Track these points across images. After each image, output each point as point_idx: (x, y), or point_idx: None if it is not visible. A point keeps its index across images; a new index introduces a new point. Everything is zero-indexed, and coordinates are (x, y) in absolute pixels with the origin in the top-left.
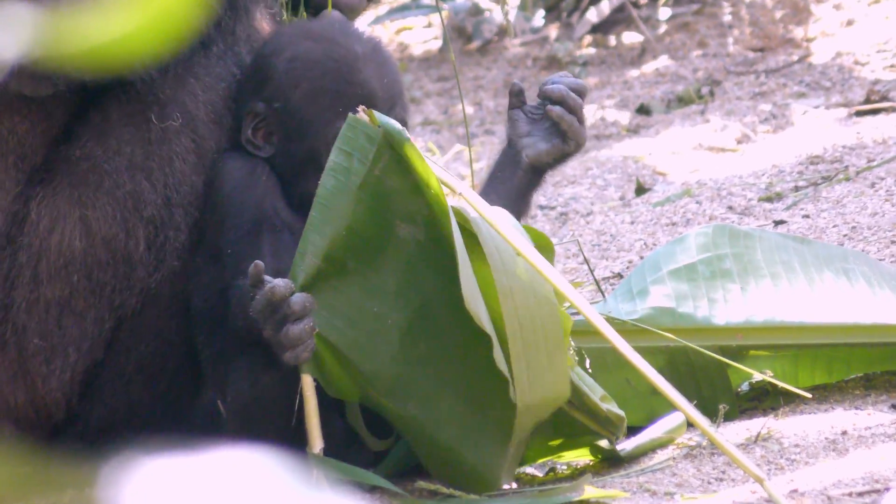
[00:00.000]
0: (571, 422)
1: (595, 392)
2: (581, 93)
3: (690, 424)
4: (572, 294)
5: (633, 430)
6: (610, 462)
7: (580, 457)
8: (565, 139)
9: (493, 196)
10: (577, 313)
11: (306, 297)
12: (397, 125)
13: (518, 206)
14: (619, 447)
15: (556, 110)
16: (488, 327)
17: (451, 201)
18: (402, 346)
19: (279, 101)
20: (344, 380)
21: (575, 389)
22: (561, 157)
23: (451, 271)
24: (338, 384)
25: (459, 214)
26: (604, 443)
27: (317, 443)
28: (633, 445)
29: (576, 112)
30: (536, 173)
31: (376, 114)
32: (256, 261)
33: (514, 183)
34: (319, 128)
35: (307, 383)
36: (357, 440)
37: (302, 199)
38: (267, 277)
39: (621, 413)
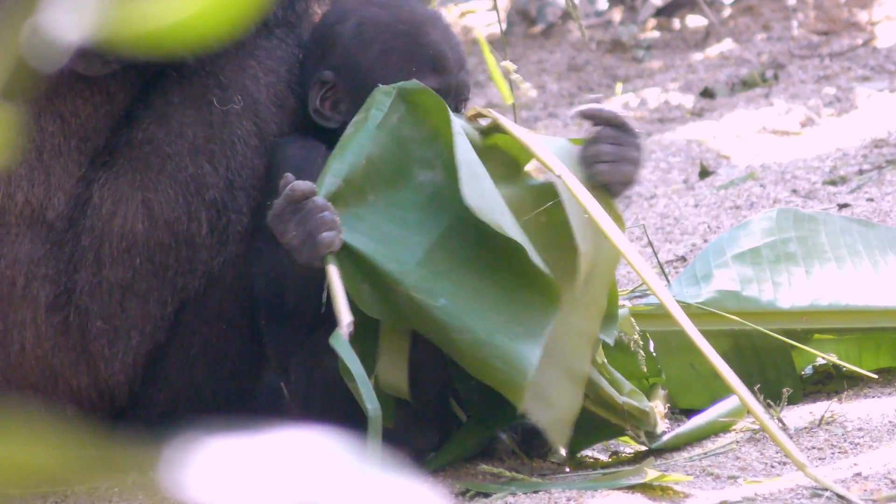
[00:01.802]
0: (592, 418)
1: (621, 387)
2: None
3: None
4: (646, 272)
5: (694, 413)
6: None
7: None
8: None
9: None
10: (643, 297)
11: (327, 202)
12: (416, 86)
13: None
14: (669, 435)
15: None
16: (513, 233)
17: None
18: (428, 256)
19: (348, 67)
20: (368, 293)
21: (591, 384)
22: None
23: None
24: (362, 296)
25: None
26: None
27: (345, 319)
28: (671, 435)
29: (618, 141)
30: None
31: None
32: (287, 174)
33: None
34: None
35: (333, 273)
36: (420, 424)
37: None
38: (289, 176)
39: (644, 407)
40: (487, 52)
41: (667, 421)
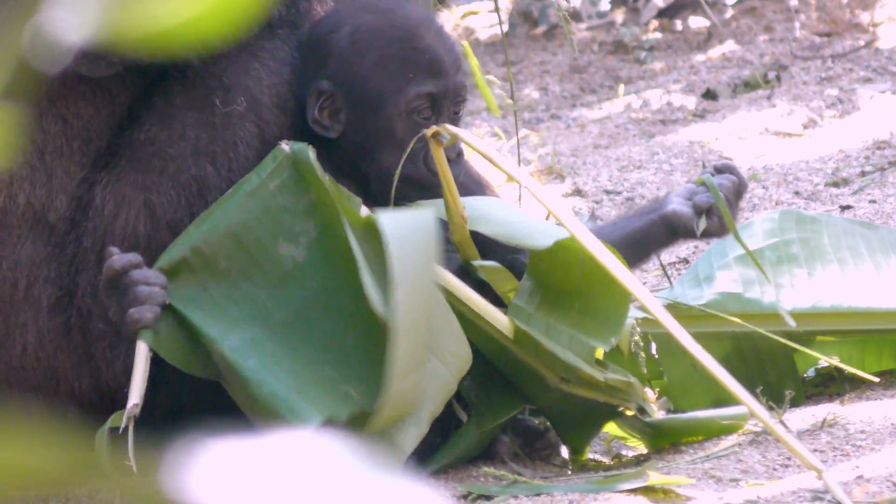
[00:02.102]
0: (579, 402)
1: (604, 367)
2: (740, 191)
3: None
4: (633, 284)
5: None
6: (675, 448)
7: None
8: (709, 215)
9: (615, 227)
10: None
11: (152, 273)
12: (308, 151)
13: (636, 246)
14: (667, 417)
15: (716, 183)
16: (389, 321)
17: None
18: (251, 325)
19: (345, 76)
20: (188, 351)
21: (567, 366)
22: (696, 230)
23: (329, 291)
24: (181, 355)
25: (363, 228)
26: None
27: (133, 400)
28: (668, 417)
29: (730, 201)
30: (669, 230)
31: (294, 143)
32: (110, 247)
33: (642, 225)
34: (390, 96)
35: (140, 350)
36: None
37: (380, 174)
38: (112, 250)
39: (629, 379)
40: (476, 67)
41: (662, 412)
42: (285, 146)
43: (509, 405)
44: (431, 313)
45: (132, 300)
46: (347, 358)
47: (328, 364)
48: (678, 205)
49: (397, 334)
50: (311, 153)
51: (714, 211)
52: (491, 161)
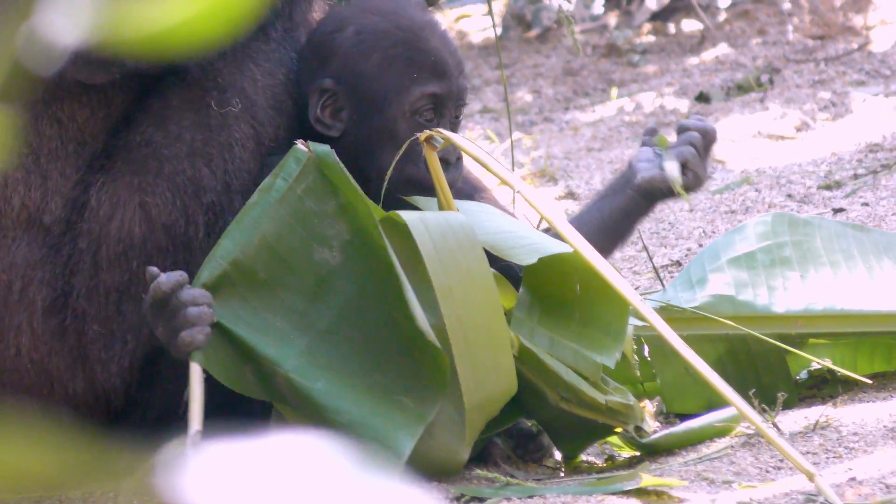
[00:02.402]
0: (578, 421)
1: (605, 385)
2: (709, 136)
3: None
4: (627, 290)
5: (688, 418)
6: (668, 450)
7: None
8: (684, 170)
9: (593, 211)
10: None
11: (199, 292)
12: (330, 152)
13: (618, 225)
14: (662, 433)
15: (683, 136)
16: (433, 340)
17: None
18: (308, 347)
19: (349, 75)
20: (250, 375)
21: (571, 389)
22: (675, 189)
23: (366, 294)
24: (233, 374)
25: (394, 229)
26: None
27: (195, 426)
28: (663, 434)
29: (697, 147)
30: (646, 197)
31: (312, 144)
32: (151, 268)
33: (619, 202)
34: (395, 96)
35: (195, 372)
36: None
37: (380, 173)
38: (154, 270)
39: (629, 402)
40: None
41: (658, 422)
42: (303, 147)
43: (508, 415)
44: (485, 314)
45: (183, 322)
46: (392, 362)
47: (376, 370)
48: (647, 171)
49: (456, 346)
50: (333, 155)
51: (689, 165)
52: (484, 165)
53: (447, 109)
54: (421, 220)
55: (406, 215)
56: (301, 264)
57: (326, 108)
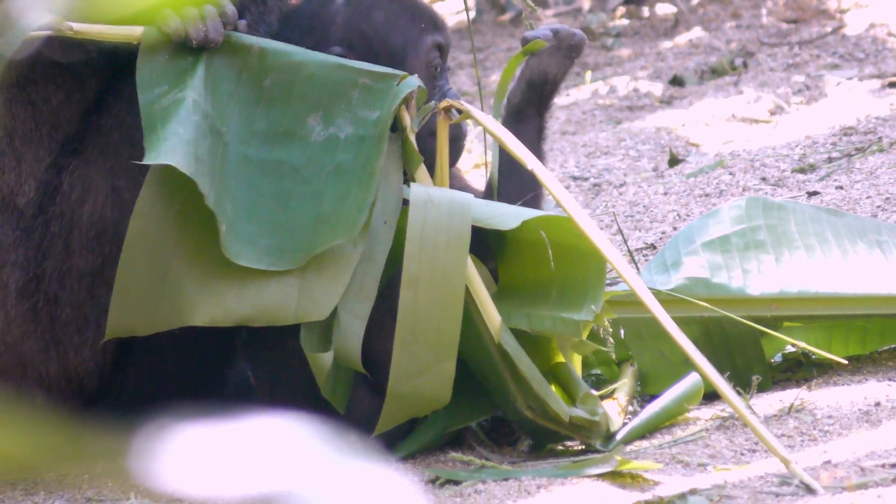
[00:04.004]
0: (541, 428)
1: (576, 390)
2: (574, 44)
3: (719, 395)
4: (618, 261)
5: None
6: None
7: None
8: (556, 36)
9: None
10: (612, 284)
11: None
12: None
13: (515, 119)
14: (625, 430)
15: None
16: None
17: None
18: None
19: (357, 38)
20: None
21: (536, 398)
22: (557, 58)
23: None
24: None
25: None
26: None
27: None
28: (625, 432)
29: (561, 46)
30: (533, 88)
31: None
32: None
33: (514, 103)
34: (411, 48)
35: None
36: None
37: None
38: None
39: (594, 417)
40: None
41: (634, 402)
42: (417, 81)
43: (480, 410)
44: (440, 319)
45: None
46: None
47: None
48: (526, 63)
49: (400, 334)
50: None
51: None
52: (501, 141)
53: (445, 60)
54: (427, 201)
55: (418, 190)
56: (295, 107)
57: None
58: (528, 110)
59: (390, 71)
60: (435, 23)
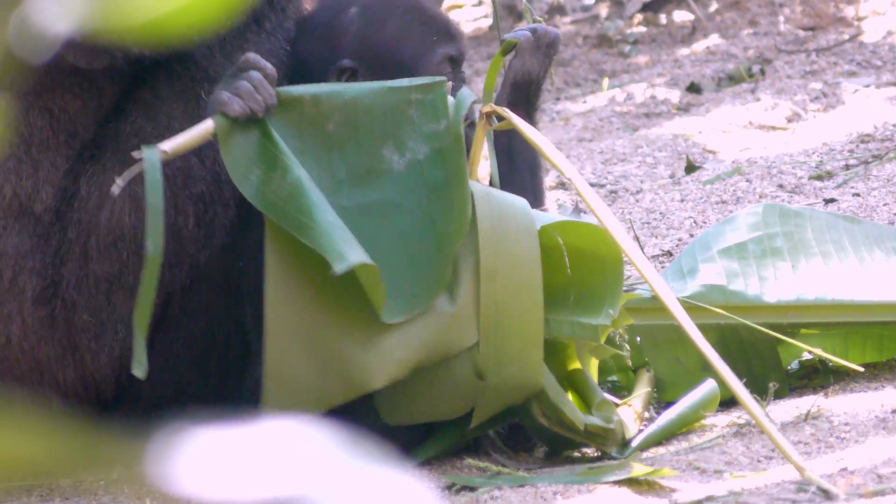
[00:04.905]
0: (556, 435)
1: (592, 397)
2: (547, 41)
3: (735, 402)
4: (647, 268)
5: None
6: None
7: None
8: (534, 35)
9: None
10: (628, 290)
11: (263, 78)
12: (469, 96)
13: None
14: (640, 437)
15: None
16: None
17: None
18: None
19: (368, 49)
20: (248, 169)
21: (552, 406)
22: (538, 57)
23: (405, 212)
24: (240, 170)
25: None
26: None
27: (165, 147)
28: (641, 439)
29: (539, 46)
30: (519, 90)
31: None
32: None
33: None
34: (421, 59)
35: (205, 125)
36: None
37: None
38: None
39: (610, 424)
40: None
41: (651, 409)
42: (472, 94)
43: (497, 417)
44: (522, 307)
45: (236, 88)
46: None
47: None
48: (509, 66)
49: (485, 328)
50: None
51: (537, 38)
52: (539, 150)
53: (459, 71)
54: (487, 194)
55: (475, 186)
56: (366, 144)
57: None
58: (517, 112)
59: (433, 79)
60: (448, 34)
